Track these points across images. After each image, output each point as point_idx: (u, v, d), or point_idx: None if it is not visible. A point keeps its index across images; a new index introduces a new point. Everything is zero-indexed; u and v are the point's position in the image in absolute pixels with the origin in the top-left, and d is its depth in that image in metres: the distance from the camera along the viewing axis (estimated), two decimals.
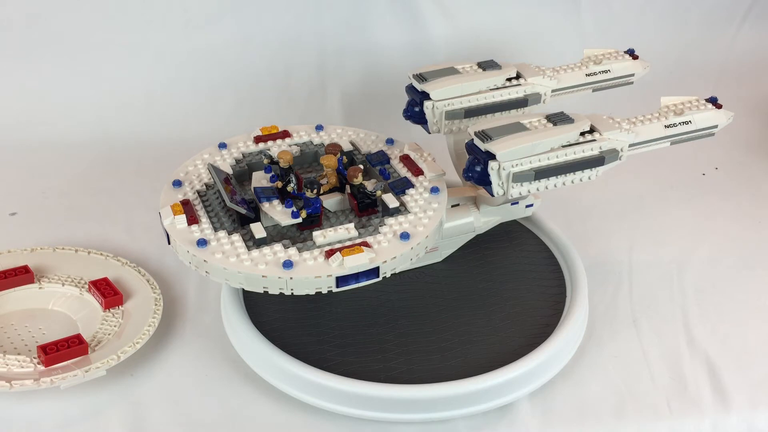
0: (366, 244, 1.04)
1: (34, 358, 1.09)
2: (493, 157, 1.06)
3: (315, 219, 1.09)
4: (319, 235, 1.05)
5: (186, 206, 1.10)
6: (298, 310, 1.14)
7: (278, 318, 1.13)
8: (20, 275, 1.21)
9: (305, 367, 1.04)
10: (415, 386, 1.03)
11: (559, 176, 1.10)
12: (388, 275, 1.04)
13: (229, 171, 1.17)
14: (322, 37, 1.66)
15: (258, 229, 1.06)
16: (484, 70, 1.22)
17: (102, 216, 1.41)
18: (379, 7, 1.65)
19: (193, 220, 1.08)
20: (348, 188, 1.13)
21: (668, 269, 1.31)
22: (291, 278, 1.01)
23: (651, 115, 1.18)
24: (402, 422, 1.04)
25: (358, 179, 1.10)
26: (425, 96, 1.19)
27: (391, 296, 1.17)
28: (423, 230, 1.07)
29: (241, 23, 1.63)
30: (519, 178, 1.08)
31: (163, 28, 1.62)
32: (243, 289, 1.10)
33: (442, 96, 1.18)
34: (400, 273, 1.12)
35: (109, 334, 1.14)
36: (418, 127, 1.22)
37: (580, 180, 1.12)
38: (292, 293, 1.02)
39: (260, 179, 1.16)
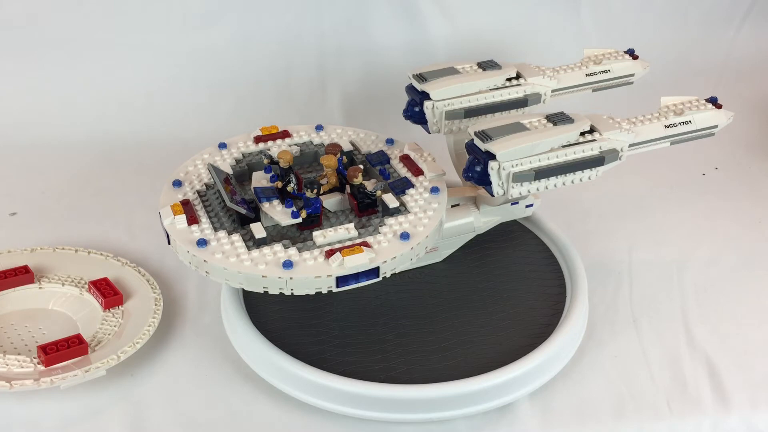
0: (366, 244, 1.04)
1: (34, 358, 1.09)
2: (493, 157, 1.06)
3: (315, 219, 1.09)
4: (319, 235, 1.05)
5: (186, 206, 1.10)
6: (298, 310, 1.14)
7: (278, 318, 1.13)
8: (20, 275, 1.21)
9: (305, 367, 1.04)
10: (415, 386, 1.03)
11: (559, 176, 1.10)
12: (388, 275, 1.04)
13: (229, 171, 1.17)
14: (322, 37, 1.66)
15: (258, 229, 1.06)
16: (484, 70, 1.22)
17: (102, 216, 1.41)
18: (379, 7, 1.65)
19: (193, 220, 1.08)
20: (348, 188, 1.13)
21: (668, 269, 1.31)
22: (291, 278, 1.00)
23: (651, 115, 1.18)
24: (402, 422, 1.04)
25: (358, 179, 1.10)
26: (425, 96, 1.18)
27: (391, 296, 1.17)
28: (423, 230, 1.07)
29: (241, 23, 1.63)
30: (519, 178, 1.08)
31: (163, 28, 1.62)
32: (243, 289, 1.10)
33: (442, 96, 1.18)
34: (400, 273, 1.12)
35: (109, 334, 1.14)
36: (418, 127, 1.22)
37: (580, 180, 1.12)
38: (292, 293, 1.02)
39: (260, 179, 1.16)
